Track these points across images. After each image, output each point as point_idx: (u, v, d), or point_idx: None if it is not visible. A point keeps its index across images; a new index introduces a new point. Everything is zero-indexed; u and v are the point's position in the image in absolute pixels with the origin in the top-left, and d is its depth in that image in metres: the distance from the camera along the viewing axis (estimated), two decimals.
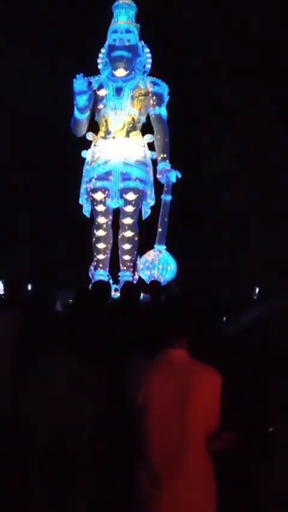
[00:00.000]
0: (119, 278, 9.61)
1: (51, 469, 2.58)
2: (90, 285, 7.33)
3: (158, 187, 9.96)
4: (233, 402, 2.36)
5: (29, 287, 5.97)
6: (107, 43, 10.34)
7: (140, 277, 9.65)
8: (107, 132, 9.95)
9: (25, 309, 4.00)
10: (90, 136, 10.19)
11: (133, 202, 9.76)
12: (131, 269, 9.68)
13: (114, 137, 9.86)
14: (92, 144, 10.16)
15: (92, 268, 9.90)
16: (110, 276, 9.70)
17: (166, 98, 10.27)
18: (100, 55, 10.58)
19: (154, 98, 10.12)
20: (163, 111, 10.20)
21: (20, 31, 11.38)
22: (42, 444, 2.61)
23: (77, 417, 2.57)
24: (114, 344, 2.97)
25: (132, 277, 9.60)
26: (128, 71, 10.17)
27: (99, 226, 9.86)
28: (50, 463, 2.58)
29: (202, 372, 2.29)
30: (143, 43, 10.45)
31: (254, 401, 2.59)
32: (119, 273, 9.69)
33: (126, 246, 9.71)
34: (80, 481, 2.54)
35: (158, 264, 9.43)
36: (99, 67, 10.57)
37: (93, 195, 9.94)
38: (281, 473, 2.45)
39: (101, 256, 9.80)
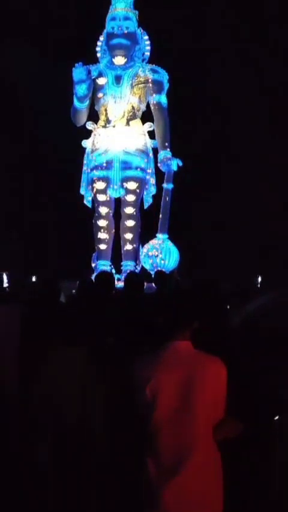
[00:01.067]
0: (122, 268, 9.62)
1: (59, 460, 2.61)
2: (94, 276, 7.36)
3: (159, 175, 9.94)
4: (239, 391, 2.38)
5: (33, 279, 6.00)
6: (105, 31, 10.25)
7: (142, 267, 9.67)
8: (107, 121, 9.90)
9: (30, 301, 4.03)
10: (90, 125, 10.15)
11: (134, 191, 9.74)
12: (134, 259, 9.69)
13: (114, 126, 9.82)
14: (92, 133, 10.12)
15: (95, 258, 9.91)
16: (112, 266, 9.72)
17: (166, 85, 10.20)
18: (99, 43, 10.49)
19: (154, 86, 10.06)
20: (163, 99, 10.14)
21: (16, 20, 11.27)
22: (50, 434, 2.64)
23: (86, 408, 2.60)
24: (119, 335, 3.00)
25: (135, 266, 9.61)
26: (127, 59, 10.10)
27: (101, 216, 9.85)
28: (58, 454, 2.61)
29: (207, 362, 2.31)
30: (142, 30, 10.36)
31: (259, 390, 2.61)
32: (122, 263, 9.71)
33: (128, 236, 9.71)
34: (88, 471, 2.58)
35: (160, 253, 9.44)
36: (98, 55, 10.48)
37: (94, 184, 9.92)
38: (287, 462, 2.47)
39: (103, 246, 9.80)
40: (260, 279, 6.42)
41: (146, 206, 10.03)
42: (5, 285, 5.64)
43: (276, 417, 2.58)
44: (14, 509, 2.79)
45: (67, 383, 2.61)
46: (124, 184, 9.73)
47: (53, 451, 2.58)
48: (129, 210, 9.71)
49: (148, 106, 10.16)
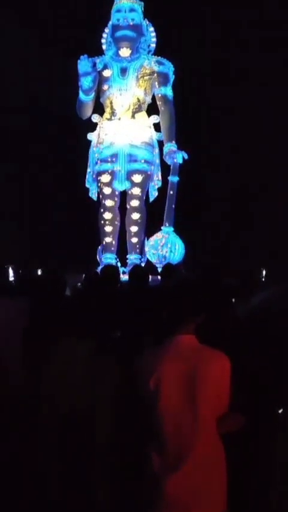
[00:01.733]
0: (127, 261, 9.63)
1: (63, 451, 2.63)
2: (99, 269, 7.37)
3: (165, 168, 9.92)
4: (243, 384, 2.39)
5: (39, 272, 6.02)
6: (110, 23, 10.19)
7: (147, 260, 9.67)
8: (112, 113, 9.87)
9: (35, 294, 4.04)
10: (95, 118, 10.12)
11: (140, 184, 9.73)
12: (139, 252, 9.70)
13: (119, 119, 9.79)
14: (98, 126, 10.10)
15: (100, 251, 9.93)
16: (117, 259, 9.73)
17: (172, 77, 10.14)
18: (104, 35, 10.45)
19: (159, 78, 10.01)
20: (169, 91, 10.08)
21: (22, 11, 11.22)
22: (55, 425, 2.66)
23: (91, 400, 2.61)
24: (124, 329, 3.01)
25: (140, 259, 9.61)
26: (132, 51, 10.05)
27: (106, 209, 9.84)
28: (63, 446, 2.63)
29: (211, 357, 2.32)
30: (147, 22, 10.30)
31: (264, 383, 2.62)
32: (127, 256, 9.71)
33: (134, 229, 9.70)
34: (93, 463, 2.60)
35: (166, 246, 9.43)
36: (103, 47, 10.44)
37: (99, 177, 9.91)
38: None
39: (108, 239, 9.80)
40: (264, 272, 6.41)
41: (151, 199, 10.01)
42: (11, 278, 5.66)
43: (280, 411, 2.59)
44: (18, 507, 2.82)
45: (72, 375, 2.62)
46: (129, 177, 9.71)
47: (58, 443, 2.61)
48: (134, 203, 9.70)
49: (154, 98, 10.12)
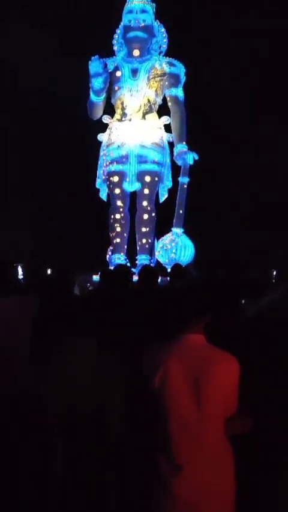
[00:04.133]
0: (137, 262, 9.63)
1: (67, 451, 2.63)
2: (112, 268, 7.36)
3: (175, 169, 9.91)
4: (252, 387, 2.36)
5: (48, 272, 6.03)
6: (122, 24, 10.22)
7: (157, 261, 9.66)
8: (123, 114, 9.88)
9: (45, 293, 4.04)
10: (106, 118, 10.14)
11: (150, 185, 9.73)
12: (149, 252, 9.69)
13: (130, 120, 9.80)
14: (108, 127, 10.12)
15: (110, 252, 9.93)
16: (127, 260, 9.73)
17: (183, 79, 10.14)
18: (115, 36, 10.47)
19: (170, 79, 10.01)
20: (180, 92, 10.09)
21: (36, 11, 11.27)
22: (60, 424, 2.65)
23: (97, 399, 2.61)
24: (133, 328, 3.00)
25: (150, 260, 9.61)
26: (143, 52, 10.06)
27: (116, 210, 9.86)
28: (67, 445, 2.63)
29: (219, 357, 2.30)
30: (159, 23, 10.31)
31: (273, 385, 2.60)
32: (137, 257, 9.71)
33: (144, 229, 9.70)
34: (102, 461, 2.59)
35: (176, 247, 9.42)
36: (115, 48, 10.46)
37: (109, 178, 9.93)
38: None
39: (118, 240, 9.81)
40: (275, 273, 6.37)
41: (161, 200, 10.02)
42: (20, 277, 5.68)
43: None
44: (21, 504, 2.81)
45: (78, 374, 2.62)
46: (140, 178, 9.72)
47: (61, 442, 2.60)
48: (144, 204, 9.71)
49: (164, 99, 10.12)
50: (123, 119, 9.87)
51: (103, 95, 9.93)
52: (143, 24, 9.96)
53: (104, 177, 10.07)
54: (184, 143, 9.83)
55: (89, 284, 8.08)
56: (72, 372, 2.66)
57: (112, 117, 10.10)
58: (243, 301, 3.94)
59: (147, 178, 9.70)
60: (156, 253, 9.70)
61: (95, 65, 9.43)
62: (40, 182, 12.02)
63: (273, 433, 2.57)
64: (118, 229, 9.81)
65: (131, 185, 9.77)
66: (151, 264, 9.30)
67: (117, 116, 10.00)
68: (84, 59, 9.63)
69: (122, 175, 9.77)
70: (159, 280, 5.06)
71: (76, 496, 2.62)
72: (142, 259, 9.57)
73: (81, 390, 2.61)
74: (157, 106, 10.06)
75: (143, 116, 9.83)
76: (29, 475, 2.76)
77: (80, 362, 2.69)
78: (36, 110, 11.61)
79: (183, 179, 9.67)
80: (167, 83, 10.00)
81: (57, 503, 2.64)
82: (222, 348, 2.34)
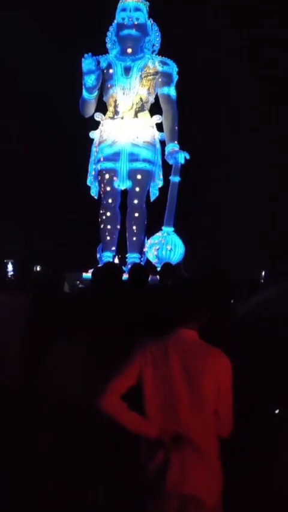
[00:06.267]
0: (127, 260, 9.63)
1: (60, 445, 2.63)
2: (102, 266, 7.36)
3: (167, 168, 9.92)
4: (241, 384, 2.39)
5: (38, 268, 6.01)
6: (115, 22, 10.20)
7: (147, 259, 9.67)
8: (115, 112, 9.87)
9: (35, 290, 4.04)
10: (98, 116, 10.13)
11: (141, 183, 9.73)
12: (139, 250, 9.70)
13: (122, 118, 9.79)
14: (100, 124, 10.10)
15: (100, 250, 9.92)
16: (116, 256, 9.70)
17: (175, 78, 10.14)
18: (108, 34, 10.45)
19: (163, 78, 10.01)
20: (172, 91, 10.09)
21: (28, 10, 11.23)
22: (53, 419, 2.66)
23: (89, 396, 2.61)
24: (124, 324, 3.00)
25: (140, 258, 9.61)
26: (136, 50, 10.05)
27: (107, 207, 9.84)
28: (60, 439, 2.63)
29: (212, 352, 2.32)
30: (152, 21, 10.30)
31: (262, 382, 2.63)
32: (127, 255, 9.71)
33: (134, 227, 9.70)
34: (91, 457, 2.60)
35: (166, 246, 9.43)
36: (108, 45, 10.44)
37: (101, 176, 9.91)
38: (286, 454, 2.49)
39: (108, 238, 9.80)
40: (263, 273, 6.41)
41: (152, 198, 10.02)
42: (10, 273, 5.66)
43: (277, 411, 2.59)
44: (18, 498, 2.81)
45: (69, 373, 2.63)
46: (131, 176, 9.71)
47: (55, 438, 2.61)
48: (135, 202, 9.71)
49: (157, 98, 10.13)
50: (115, 117, 9.85)
51: (95, 93, 9.90)
52: (136, 23, 9.95)
53: (95, 174, 10.05)
54: (176, 142, 9.84)
55: (78, 282, 8.09)
56: (63, 370, 2.67)
57: (104, 115, 10.08)
58: (232, 301, 3.97)
59: (139, 176, 9.70)
60: (145, 250, 9.71)
61: (88, 63, 9.40)
62: (30, 180, 11.99)
63: (261, 431, 2.60)
64: (109, 226, 9.80)
65: (122, 183, 9.77)
66: (141, 262, 9.31)
67: (109, 114, 9.99)
68: (77, 55, 9.61)
69: (113, 172, 9.76)
70: (149, 278, 5.06)
71: (64, 492, 2.63)
72: (132, 257, 9.57)
73: (71, 390, 2.62)
74: (149, 105, 10.06)
75: (135, 115, 9.83)
76: (20, 471, 2.76)
77: (70, 359, 2.69)
78: (28, 106, 11.57)
79: (175, 179, 9.68)
80: (159, 81, 9.99)
81: (46, 500, 2.65)
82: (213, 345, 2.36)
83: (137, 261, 9.34)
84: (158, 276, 7.24)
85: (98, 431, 2.59)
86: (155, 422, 2.26)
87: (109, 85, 9.93)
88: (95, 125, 10.19)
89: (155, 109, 10.10)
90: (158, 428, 2.26)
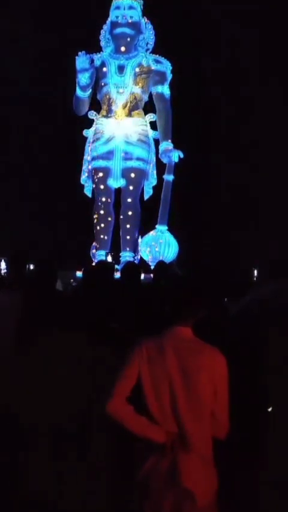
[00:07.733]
0: (121, 258, 9.62)
1: (50, 449, 2.62)
2: (94, 265, 7.35)
3: (160, 166, 9.92)
4: (233, 382, 2.39)
5: (31, 266, 5.99)
6: (109, 20, 10.19)
7: (141, 257, 9.68)
8: (109, 111, 9.87)
9: (28, 288, 4.02)
10: (92, 114, 10.11)
11: (135, 182, 9.73)
12: (133, 249, 9.70)
13: (116, 116, 9.78)
14: (94, 123, 10.09)
15: (93, 248, 9.91)
16: (109, 254, 9.69)
17: (169, 76, 10.16)
18: (102, 32, 10.44)
19: (156, 76, 10.02)
20: (166, 90, 10.11)
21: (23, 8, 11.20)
22: (43, 422, 2.65)
23: (84, 394, 2.60)
24: (118, 322, 3.00)
25: (134, 257, 9.62)
26: (130, 49, 10.04)
27: (101, 206, 9.84)
28: (50, 442, 2.62)
29: (207, 349, 2.33)
30: (146, 20, 10.30)
31: (254, 380, 2.63)
32: (121, 253, 9.71)
33: (128, 226, 9.70)
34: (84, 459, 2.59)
35: (160, 244, 9.44)
36: (102, 44, 10.43)
37: (94, 174, 9.91)
38: (280, 452, 2.49)
39: (102, 236, 9.80)
40: (256, 272, 6.43)
41: (146, 197, 10.03)
42: (3, 271, 5.65)
43: (270, 409, 2.60)
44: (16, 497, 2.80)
45: (62, 368, 2.62)
46: (125, 174, 9.71)
47: (51, 440, 2.60)
48: (129, 200, 9.71)
49: (150, 96, 10.12)
50: (109, 115, 9.85)
51: (89, 91, 9.89)
52: (130, 21, 9.94)
53: (89, 173, 10.04)
54: (169, 141, 9.84)
55: (72, 280, 8.08)
56: (55, 367, 2.66)
57: (98, 113, 10.07)
58: (225, 299, 3.97)
59: (132, 175, 9.70)
60: (140, 250, 9.71)
61: (81, 61, 9.39)
62: (23, 178, 11.95)
63: (253, 430, 2.60)
64: (102, 225, 9.80)
65: (116, 182, 9.76)
66: (135, 261, 9.31)
67: (103, 112, 9.98)
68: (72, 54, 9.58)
69: (107, 171, 9.75)
70: (142, 277, 5.07)
71: (60, 493, 2.62)
72: (126, 255, 9.57)
73: (66, 385, 2.61)
74: (143, 103, 10.06)
75: (129, 113, 9.83)
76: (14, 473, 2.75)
77: (63, 356, 2.69)
78: (22, 104, 11.53)
79: (168, 177, 9.69)
80: (153, 80, 10.00)
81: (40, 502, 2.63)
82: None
83: (131, 259, 9.34)
84: (151, 275, 7.25)
85: (96, 433, 2.59)
86: (154, 420, 2.26)
87: (103, 83, 9.92)
88: (89, 123, 10.17)
89: (148, 108, 10.10)
90: (165, 432, 2.25)
